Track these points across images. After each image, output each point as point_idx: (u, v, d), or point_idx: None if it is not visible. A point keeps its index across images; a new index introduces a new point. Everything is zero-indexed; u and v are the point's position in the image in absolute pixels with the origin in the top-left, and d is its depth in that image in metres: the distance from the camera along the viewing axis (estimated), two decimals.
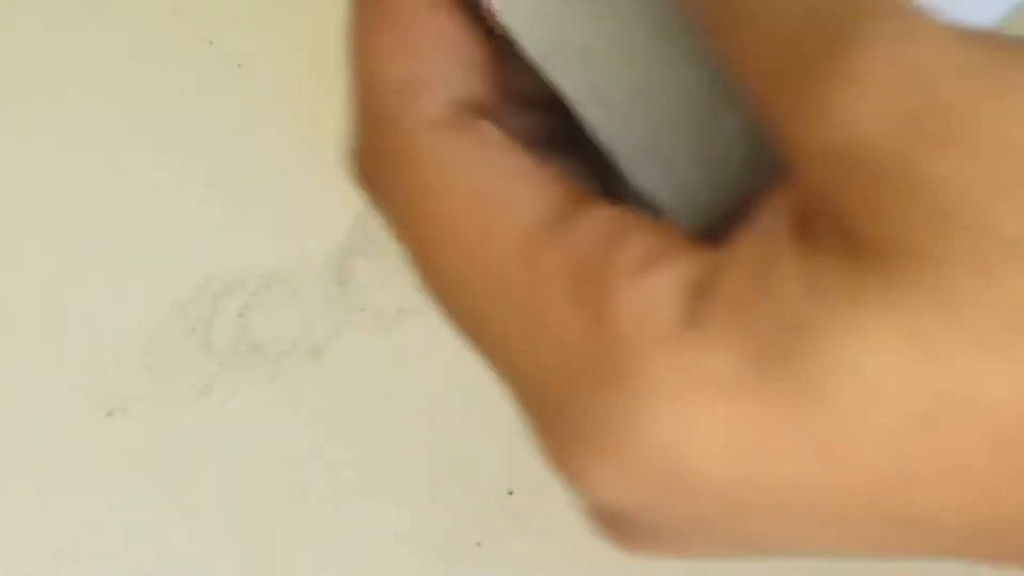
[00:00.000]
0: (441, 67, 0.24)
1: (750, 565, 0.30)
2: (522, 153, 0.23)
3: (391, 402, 0.38)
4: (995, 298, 0.19)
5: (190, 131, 0.43)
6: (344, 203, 0.41)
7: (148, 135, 0.44)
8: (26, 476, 0.39)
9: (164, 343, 0.40)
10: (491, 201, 0.23)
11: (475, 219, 0.23)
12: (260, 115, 0.43)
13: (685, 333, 0.20)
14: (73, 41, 0.46)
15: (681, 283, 0.21)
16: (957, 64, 0.20)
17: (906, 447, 0.19)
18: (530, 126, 0.25)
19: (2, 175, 0.44)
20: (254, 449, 0.38)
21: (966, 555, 0.21)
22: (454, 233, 0.23)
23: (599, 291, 0.21)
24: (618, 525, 0.23)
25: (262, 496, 0.38)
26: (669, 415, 0.21)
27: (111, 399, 0.39)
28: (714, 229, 0.23)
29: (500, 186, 0.23)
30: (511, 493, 0.37)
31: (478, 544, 0.36)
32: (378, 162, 0.25)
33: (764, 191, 0.22)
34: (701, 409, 0.20)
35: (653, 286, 0.21)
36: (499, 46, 0.25)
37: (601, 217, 0.22)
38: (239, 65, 0.44)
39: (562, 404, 0.24)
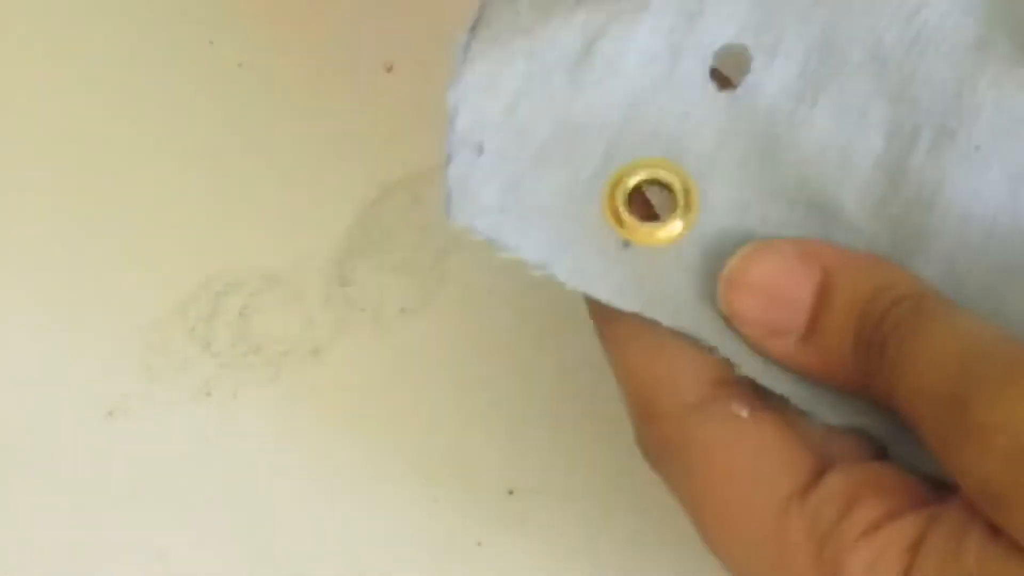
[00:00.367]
0: (691, 356, 0.30)
1: None
2: (769, 425, 0.28)
3: (391, 402, 0.38)
4: None
5: (190, 131, 0.43)
6: (344, 203, 0.41)
7: (148, 135, 0.44)
8: (26, 476, 0.39)
9: (164, 343, 0.40)
10: (743, 479, 0.28)
11: (730, 495, 0.28)
12: (260, 115, 0.43)
13: None
14: (73, 41, 0.46)
15: (902, 542, 0.26)
16: None
17: None
18: None
19: (2, 175, 0.44)
20: (254, 449, 0.38)
21: None
22: (715, 508, 0.28)
23: (836, 554, 0.26)
24: None
25: (262, 496, 0.38)
26: None
27: (111, 399, 0.39)
28: None
29: (749, 465, 0.28)
30: (511, 493, 0.37)
31: (478, 544, 0.36)
32: (652, 445, 0.30)
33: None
34: None
35: (880, 546, 0.26)
36: None
37: (837, 485, 0.27)
38: (239, 65, 0.44)
39: None
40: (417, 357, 0.39)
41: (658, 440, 0.30)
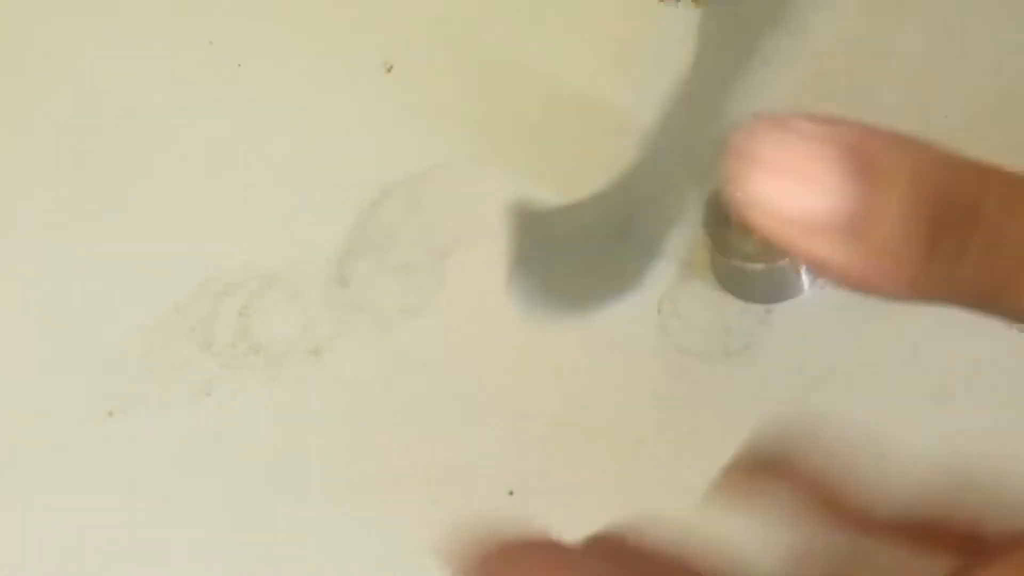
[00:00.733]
0: None
1: None
2: None
3: (391, 402, 0.38)
4: None
5: (190, 131, 0.43)
6: (344, 203, 0.41)
7: (148, 135, 0.44)
8: (26, 476, 0.39)
9: (164, 343, 0.40)
10: None
11: None
12: (260, 115, 0.43)
13: None
14: (73, 40, 0.46)
15: None
16: None
17: None
18: None
19: (2, 176, 0.44)
20: (254, 449, 0.38)
21: None
22: None
23: None
24: None
25: (262, 496, 0.38)
26: None
27: (111, 399, 0.39)
28: None
29: None
30: (511, 493, 0.37)
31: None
32: None
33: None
34: None
35: None
36: None
37: None
38: (239, 65, 0.44)
39: None
40: (417, 357, 0.39)
41: None
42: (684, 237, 0.38)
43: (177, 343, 0.40)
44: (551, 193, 0.39)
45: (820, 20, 0.40)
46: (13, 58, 0.46)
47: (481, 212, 0.40)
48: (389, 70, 0.43)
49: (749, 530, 0.34)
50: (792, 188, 0.22)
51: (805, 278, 0.37)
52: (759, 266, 0.36)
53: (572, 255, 0.37)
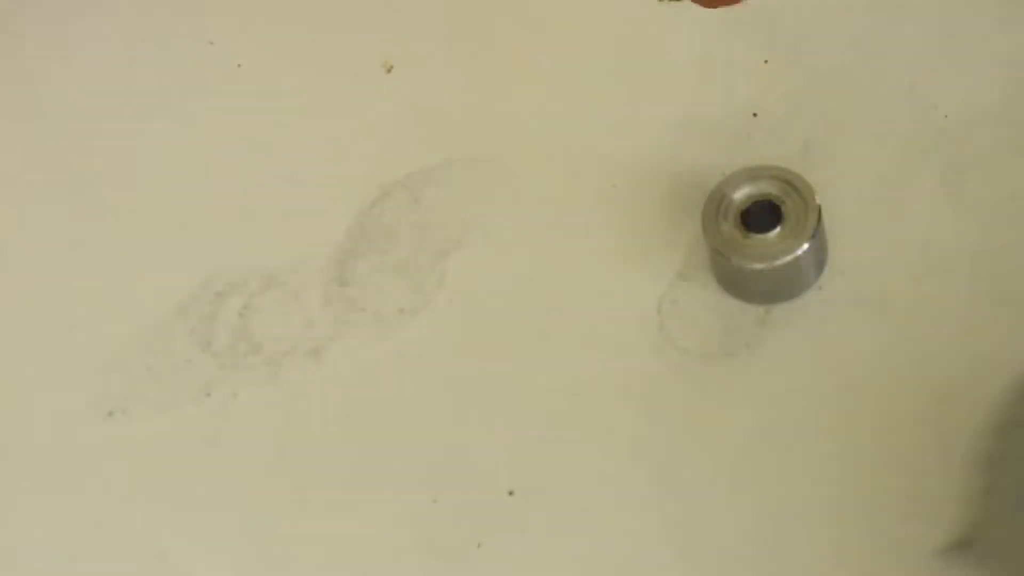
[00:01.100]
0: None
1: None
2: None
3: (391, 402, 0.38)
4: None
5: (190, 131, 0.43)
6: (344, 203, 0.41)
7: (148, 135, 0.44)
8: (26, 476, 0.39)
9: (164, 343, 0.40)
10: None
11: None
12: (260, 115, 0.43)
13: None
14: (74, 40, 0.46)
15: None
16: None
17: None
18: None
19: (2, 176, 0.44)
20: (254, 449, 0.38)
21: None
22: None
23: None
24: None
25: (262, 496, 0.38)
26: None
27: (111, 399, 0.39)
28: None
29: None
30: (511, 493, 0.37)
31: (478, 544, 0.36)
32: None
33: None
34: None
35: None
36: None
37: None
38: (239, 65, 0.44)
39: None
40: (417, 357, 0.39)
41: None
42: (684, 237, 0.38)
43: (177, 343, 0.40)
44: (551, 192, 0.39)
45: (820, 21, 0.40)
46: (13, 57, 0.46)
47: (481, 212, 0.40)
48: (389, 70, 0.43)
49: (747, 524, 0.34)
50: None
51: (806, 278, 0.37)
52: (759, 266, 0.36)
53: None
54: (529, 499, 0.37)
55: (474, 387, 0.38)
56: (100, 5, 0.46)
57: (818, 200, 0.36)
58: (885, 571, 0.34)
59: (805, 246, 0.36)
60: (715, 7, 0.39)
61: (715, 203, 0.37)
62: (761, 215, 0.37)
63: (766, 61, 0.39)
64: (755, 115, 0.36)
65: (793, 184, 0.37)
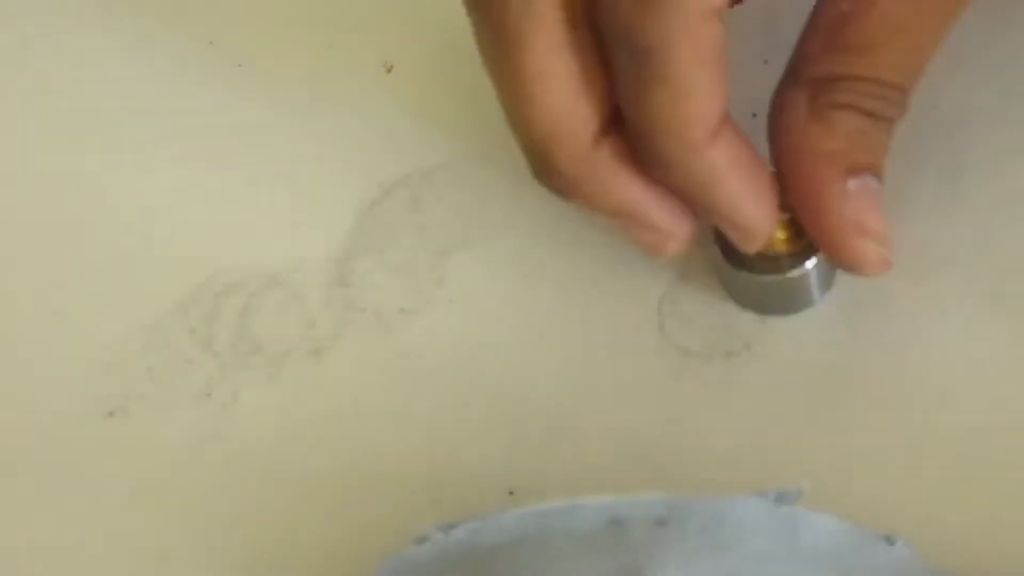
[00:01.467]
0: None
1: None
2: None
3: (391, 402, 0.38)
4: None
5: (190, 131, 0.43)
6: (344, 203, 0.41)
7: (148, 135, 0.44)
8: (26, 476, 0.39)
9: (164, 343, 0.40)
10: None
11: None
12: (260, 115, 0.43)
13: None
14: (74, 40, 0.46)
15: None
16: None
17: None
18: None
19: (2, 175, 0.44)
20: (254, 449, 0.38)
21: None
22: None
23: None
24: None
25: (262, 496, 0.38)
26: None
27: (111, 399, 0.39)
28: None
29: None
30: (511, 493, 0.37)
31: None
32: None
33: None
34: None
35: None
36: None
37: None
38: (239, 65, 0.44)
39: None
40: (417, 357, 0.39)
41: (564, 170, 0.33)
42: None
43: (177, 343, 0.40)
44: (550, 192, 0.39)
45: None
46: (13, 57, 0.46)
47: (481, 212, 0.40)
48: (389, 70, 0.43)
49: None
50: None
51: (816, 289, 0.37)
52: (771, 278, 0.36)
53: None
54: (529, 499, 0.37)
55: (474, 387, 0.38)
56: (100, 5, 0.46)
57: None
58: None
59: (814, 260, 0.36)
60: None
61: None
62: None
63: (766, 61, 0.39)
64: (755, 115, 0.36)
65: None
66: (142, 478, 0.38)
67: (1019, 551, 0.33)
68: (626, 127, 0.33)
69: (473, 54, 0.34)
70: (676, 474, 0.36)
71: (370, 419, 0.38)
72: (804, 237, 0.36)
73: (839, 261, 0.35)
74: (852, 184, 0.34)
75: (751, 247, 0.35)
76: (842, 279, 0.37)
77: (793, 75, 0.35)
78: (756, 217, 0.34)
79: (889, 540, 0.31)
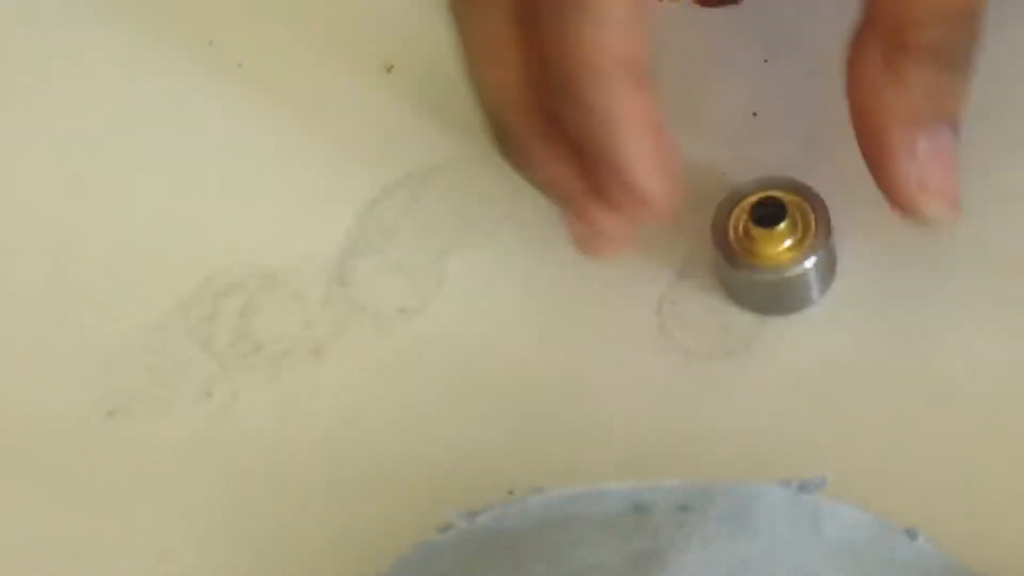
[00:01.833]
0: None
1: None
2: None
3: (391, 402, 0.38)
4: None
5: (190, 131, 0.43)
6: (344, 203, 0.41)
7: (148, 135, 0.44)
8: (26, 476, 0.39)
9: (164, 343, 0.40)
10: None
11: None
12: (260, 115, 0.43)
13: None
14: (73, 41, 0.46)
15: None
16: None
17: None
18: None
19: (2, 174, 0.44)
20: (254, 449, 0.38)
21: None
22: None
23: None
24: None
25: (262, 496, 0.38)
26: None
27: (111, 399, 0.39)
28: None
29: None
30: (511, 493, 0.37)
31: None
32: None
33: None
34: None
35: None
36: None
37: None
38: (239, 65, 0.44)
39: None
40: (417, 357, 0.39)
41: None
42: (684, 236, 0.38)
43: (177, 343, 0.40)
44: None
45: (818, 19, 0.40)
46: (13, 57, 0.46)
47: (481, 212, 0.40)
48: (389, 70, 0.43)
49: None
50: None
51: (816, 289, 0.37)
52: (769, 276, 0.36)
53: None
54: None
55: (474, 387, 0.38)
56: (100, 5, 0.46)
57: (832, 217, 0.36)
58: None
59: (813, 259, 0.36)
60: (715, 7, 0.39)
61: (725, 211, 0.37)
62: (773, 224, 0.36)
63: (766, 61, 0.39)
64: (755, 115, 0.36)
65: (802, 195, 0.36)
66: (142, 478, 0.38)
67: (1020, 551, 0.33)
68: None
69: None
70: (677, 473, 0.36)
71: (370, 418, 0.38)
72: (805, 237, 0.36)
73: (901, 216, 0.34)
74: (922, 144, 0.33)
75: (632, 220, 0.34)
76: (842, 279, 0.37)
77: (864, 24, 0.33)
78: (647, 181, 0.33)
79: (910, 534, 0.31)
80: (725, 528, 0.30)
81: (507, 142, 0.35)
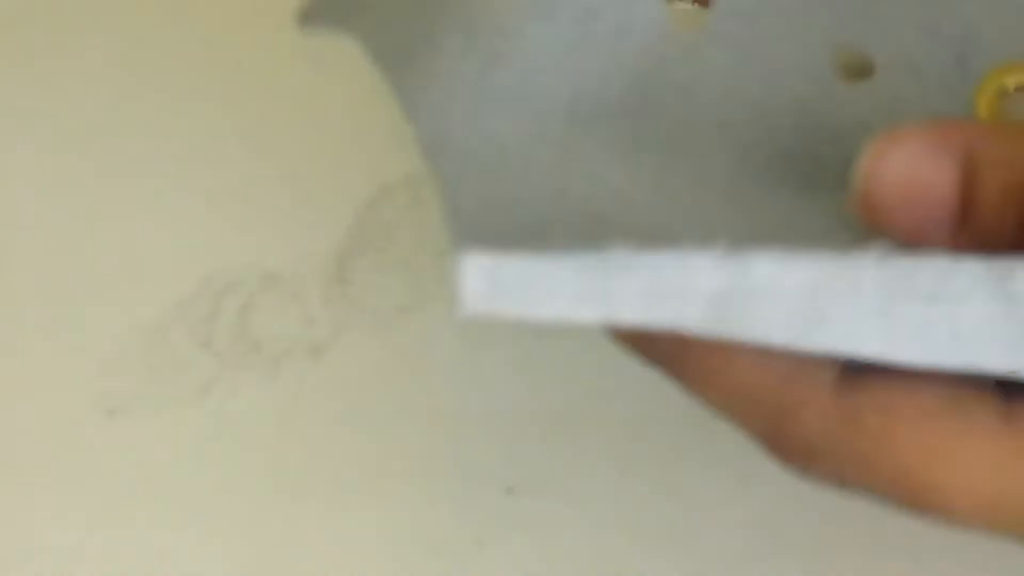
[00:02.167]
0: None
1: None
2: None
3: (391, 402, 0.38)
4: None
5: (190, 131, 0.43)
6: (344, 203, 0.41)
7: (148, 135, 0.44)
8: (26, 476, 0.39)
9: (164, 343, 0.40)
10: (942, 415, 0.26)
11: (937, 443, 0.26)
12: (260, 115, 0.43)
13: None
14: (73, 41, 0.46)
15: None
16: None
17: None
18: None
19: (2, 174, 0.44)
20: (254, 449, 0.38)
21: None
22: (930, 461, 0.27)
23: None
24: None
25: (262, 496, 0.38)
26: None
27: (111, 399, 0.39)
28: None
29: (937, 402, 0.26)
30: (511, 493, 0.37)
31: (478, 544, 0.36)
32: (800, 442, 0.28)
33: None
34: None
35: None
36: None
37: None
38: (239, 64, 0.44)
39: None
40: (417, 357, 0.39)
41: (809, 433, 0.27)
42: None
43: (177, 343, 0.40)
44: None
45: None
46: (12, 57, 0.46)
47: None
48: None
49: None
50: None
51: None
52: None
53: None
54: (529, 499, 0.37)
55: (474, 387, 0.38)
56: (99, 5, 0.46)
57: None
58: (886, 566, 0.34)
59: None
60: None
61: None
62: None
63: None
64: None
65: None
66: (142, 478, 0.38)
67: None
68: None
69: None
70: (677, 473, 0.36)
71: (370, 419, 0.38)
72: None
73: None
74: None
75: None
76: None
77: None
78: None
79: None
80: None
81: (795, 438, 0.29)
